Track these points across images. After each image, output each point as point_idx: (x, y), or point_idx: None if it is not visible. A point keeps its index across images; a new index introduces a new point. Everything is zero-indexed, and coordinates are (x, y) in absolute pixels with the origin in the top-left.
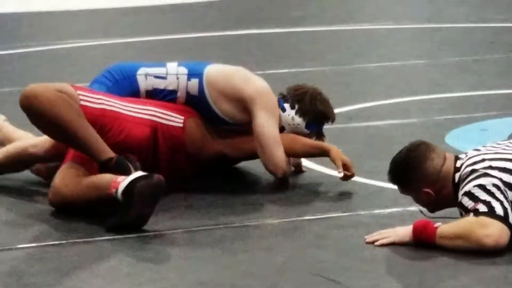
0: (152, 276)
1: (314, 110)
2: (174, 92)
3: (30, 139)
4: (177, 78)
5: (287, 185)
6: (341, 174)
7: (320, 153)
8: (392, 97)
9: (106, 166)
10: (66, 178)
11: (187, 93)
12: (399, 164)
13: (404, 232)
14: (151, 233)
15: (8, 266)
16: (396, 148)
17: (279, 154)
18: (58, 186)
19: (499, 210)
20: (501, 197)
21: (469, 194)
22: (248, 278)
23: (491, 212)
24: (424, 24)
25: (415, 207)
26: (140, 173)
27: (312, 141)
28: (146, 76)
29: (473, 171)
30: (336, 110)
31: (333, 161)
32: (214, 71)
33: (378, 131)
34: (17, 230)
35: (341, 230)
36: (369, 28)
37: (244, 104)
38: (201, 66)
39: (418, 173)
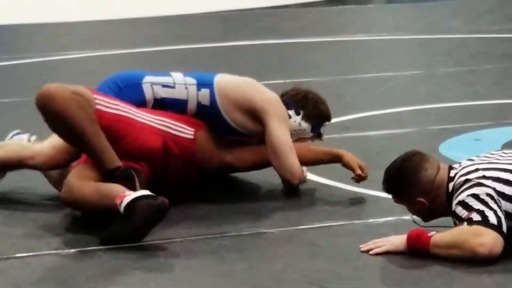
0: (149, 284)
1: (318, 114)
2: (184, 101)
3: (27, 150)
4: (186, 88)
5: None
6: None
7: (332, 160)
8: (388, 107)
9: (112, 175)
10: (79, 178)
11: (198, 102)
12: (394, 173)
13: (398, 241)
14: (149, 243)
15: (7, 276)
16: (390, 158)
17: (295, 162)
18: (71, 185)
19: (492, 219)
20: (494, 206)
21: (462, 203)
22: (245, 287)
23: (484, 221)
24: (419, 35)
25: (409, 217)
26: (147, 192)
27: (322, 148)
28: (152, 85)
29: (467, 180)
30: (332, 120)
31: (349, 165)
32: (225, 81)
33: (373, 141)
34: (15, 239)
35: (336, 239)
36: (365, 39)
37: (255, 114)
38: (209, 76)
39: (412, 182)
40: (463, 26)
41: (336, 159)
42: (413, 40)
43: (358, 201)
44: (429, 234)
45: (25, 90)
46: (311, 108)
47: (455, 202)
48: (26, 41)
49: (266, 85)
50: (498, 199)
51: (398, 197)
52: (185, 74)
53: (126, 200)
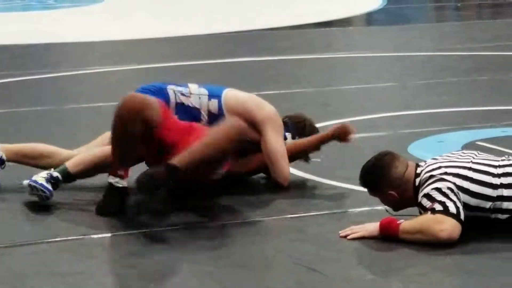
0: (158, 262)
1: None
2: (197, 109)
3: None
4: (199, 98)
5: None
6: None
7: (323, 142)
8: (365, 114)
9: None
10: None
11: (209, 111)
12: (368, 171)
13: (372, 227)
14: (159, 229)
15: (37, 257)
16: (367, 158)
17: (285, 168)
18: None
19: (452, 209)
20: (454, 198)
21: (427, 196)
22: (241, 268)
23: (445, 211)
24: (393, 53)
25: (381, 207)
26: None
27: (315, 136)
28: (175, 92)
29: (431, 176)
30: (317, 125)
31: (337, 130)
32: (231, 96)
33: (353, 142)
34: (44, 226)
35: (319, 226)
36: (346, 56)
37: (255, 125)
38: (219, 89)
39: (384, 178)
40: (431, 45)
41: (325, 140)
42: (388, 57)
43: (338, 193)
44: (398, 222)
45: (55, 99)
46: (307, 136)
47: (421, 194)
48: (58, 57)
49: (263, 95)
50: (457, 192)
51: (373, 191)
52: (200, 86)
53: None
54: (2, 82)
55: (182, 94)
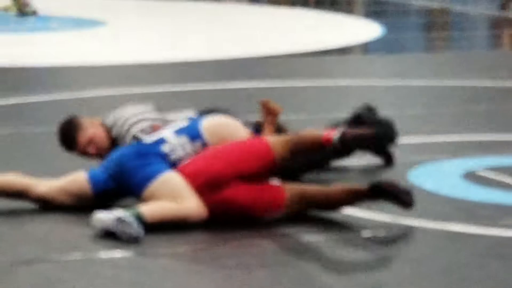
0: (157, 286)
1: None
2: (187, 156)
3: (32, 179)
4: (183, 148)
5: None
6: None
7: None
8: None
9: None
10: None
11: (195, 152)
12: None
13: None
14: (160, 250)
15: (42, 277)
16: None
17: None
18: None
19: None
20: None
21: None
22: None
23: None
24: (391, 82)
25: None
26: None
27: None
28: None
29: None
30: None
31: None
32: (209, 130)
33: (352, 171)
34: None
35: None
36: (343, 85)
37: None
38: (195, 128)
39: None
40: (428, 74)
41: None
42: (385, 85)
43: (332, 216)
44: None
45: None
46: None
47: None
48: (61, 80)
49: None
50: None
51: None
52: (177, 134)
53: None
54: (6, 104)
55: (169, 155)
